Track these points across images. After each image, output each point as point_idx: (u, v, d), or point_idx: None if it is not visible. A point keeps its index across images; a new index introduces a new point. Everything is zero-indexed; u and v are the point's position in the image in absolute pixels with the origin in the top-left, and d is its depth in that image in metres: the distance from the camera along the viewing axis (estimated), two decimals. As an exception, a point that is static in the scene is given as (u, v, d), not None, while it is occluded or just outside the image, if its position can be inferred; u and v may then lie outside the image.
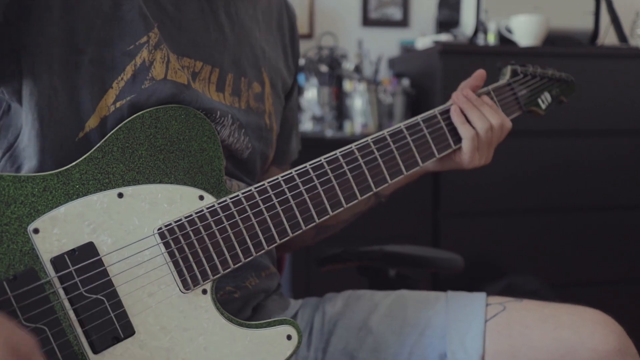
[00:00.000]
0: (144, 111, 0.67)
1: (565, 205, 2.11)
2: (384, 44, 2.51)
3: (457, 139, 0.86)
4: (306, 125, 2.18)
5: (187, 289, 0.66)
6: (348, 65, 2.24)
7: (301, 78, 2.23)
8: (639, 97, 2.13)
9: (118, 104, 0.68)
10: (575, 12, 2.20)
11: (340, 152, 0.75)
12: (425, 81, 2.15)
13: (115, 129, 0.66)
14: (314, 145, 2.03)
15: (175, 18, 0.75)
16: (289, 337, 0.69)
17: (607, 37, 2.24)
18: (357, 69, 2.24)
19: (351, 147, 0.76)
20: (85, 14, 0.67)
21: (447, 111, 0.85)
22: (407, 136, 0.81)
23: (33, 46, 0.65)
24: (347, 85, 2.21)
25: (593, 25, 2.21)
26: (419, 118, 0.83)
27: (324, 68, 2.20)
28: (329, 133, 2.14)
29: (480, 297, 0.87)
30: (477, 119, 0.85)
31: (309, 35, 2.49)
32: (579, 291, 2.13)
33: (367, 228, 1.93)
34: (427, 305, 0.88)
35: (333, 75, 2.21)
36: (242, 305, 0.81)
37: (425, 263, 1.25)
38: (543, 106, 0.98)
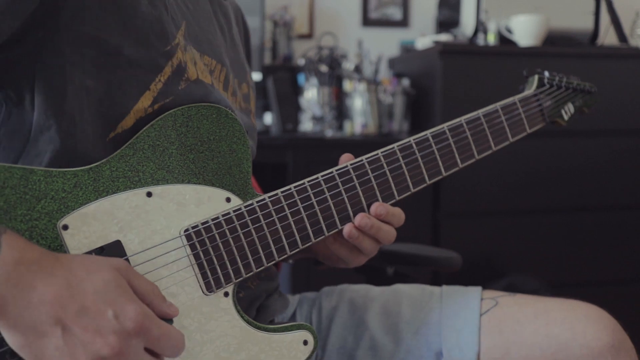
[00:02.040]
0: (176, 109, 0.66)
1: (565, 205, 2.11)
2: (384, 44, 2.51)
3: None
4: (306, 125, 2.18)
5: (209, 291, 0.66)
6: (348, 65, 2.24)
7: (301, 78, 2.23)
8: (639, 97, 2.13)
9: (156, 106, 0.67)
10: (575, 12, 2.20)
11: (366, 158, 0.75)
12: (425, 81, 2.15)
13: (146, 127, 0.65)
14: (314, 146, 2.03)
15: (196, 17, 0.75)
16: (305, 342, 0.70)
17: (607, 37, 2.24)
18: (357, 69, 2.24)
19: (377, 154, 0.76)
20: (121, 13, 0.65)
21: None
22: (433, 145, 0.80)
23: (63, 44, 0.63)
24: (347, 85, 2.21)
25: (593, 25, 2.21)
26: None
27: (324, 68, 2.20)
28: (329, 133, 2.14)
29: (475, 291, 0.87)
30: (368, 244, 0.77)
31: (309, 35, 2.49)
32: (579, 291, 2.11)
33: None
34: (422, 301, 0.88)
35: (333, 75, 2.21)
36: (247, 305, 0.80)
37: (423, 261, 1.25)
38: (566, 117, 0.96)
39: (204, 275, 0.65)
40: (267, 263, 0.69)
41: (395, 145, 0.77)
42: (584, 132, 2.10)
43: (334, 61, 2.23)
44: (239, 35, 0.93)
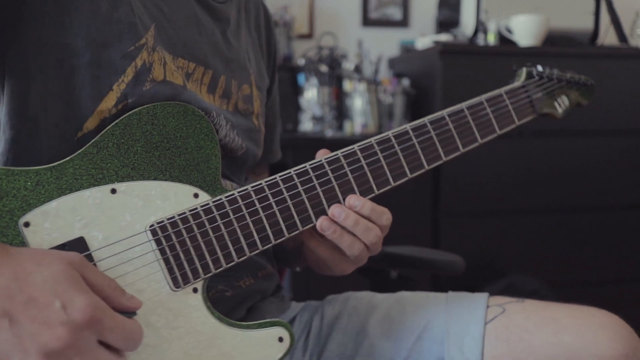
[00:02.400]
0: (141, 107, 0.66)
1: (565, 205, 2.11)
2: (384, 44, 2.51)
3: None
4: (306, 125, 2.18)
5: (177, 287, 0.65)
6: (348, 65, 2.24)
7: (301, 78, 2.23)
8: (639, 97, 2.13)
9: (120, 106, 0.67)
10: (575, 12, 2.20)
11: (342, 152, 0.74)
12: (425, 81, 2.15)
13: (111, 125, 0.65)
14: (314, 146, 2.01)
15: (172, 19, 0.75)
16: (280, 339, 0.68)
17: (607, 37, 2.24)
18: (357, 69, 2.24)
19: (353, 148, 0.74)
20: (81, 16, 0.66)
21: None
22: (413, 138, 0.78)
23: (24, 49, 0.64)
24: (347, 85, 2.21)
25: (593, 25, 2.21)
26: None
27: (324, 68, 2.20)
28: (329, 133, 2.14)
29: (481, 298, 0.84)
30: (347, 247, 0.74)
31: (309, 35, 2.49)
32: (579, 291, 2.12)
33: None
34: (426, 308, 0.86)
35: (333, 75, 2.21)
36: (235, 305, 0.80)
37: (426, 265, 1.25)
38: (560, 110, 0.95)
39: (171, 271, 0.65)
40: (238, 259, 0.68)
41: (372, 139, 0.75)
42: (584, 132, 2.10)
43: (334, 61, 2.23)
44: (257, 31, 0.92)
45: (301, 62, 2.26)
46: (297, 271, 1.90)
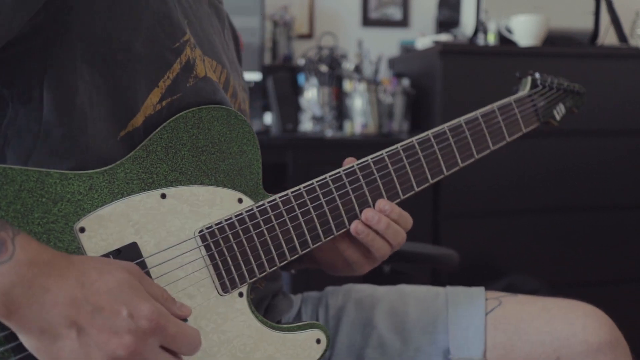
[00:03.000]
0: (187, 111, 0.67)
1: (565, 205, 2.12)
2: (384, 44, 2.51)
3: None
4: (306, 125, 2.18)
5: (225, 292, 0.66)
6: (348, 65, 2.24)
7: (301, 78, 2.23)
8: (639, 97, 2.13)
9: (164, 103, 0.67)
10: (575, 12, 2.20)
11: (372, 158, 0.77)
12: (425, 81, 2.15)
13: (159, 128, 0.65)
14: (314, 146, 2.03)
15: (198, 17, 0.75)
16: (318, 341, 0.71)
17: (607, 37, 2.25)
18: (357, 69, 2.24)
19: (382, 154, 0.77)
20: (132, 10, 0.65)
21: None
22: (435, 145, 0.81)
23: (73, 42, 0.62)
24: (347, 85, 2.21)
25: (593, 25, 2.21)
26: (445, 127, 0.83)
27: (324, 68, 2.20)
28: (329, 133, 2.14)
29: (479, 291, 0.88)
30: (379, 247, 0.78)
31: (309, 35, 2.49)
32: (579, 291, 2.11)
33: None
34: (428, 301, 0.89)
35: (333, 75, 2.21)
36: (256, 306, 0.80)
37: (419, 258, 1.26)
38: (558, 117, 0.99)
39: (219, 276, 0.66)
40: (280, 263, 0.70)
41: (398, 145, 0.78)
42: (583, 132, 2.10)
43: (334, 61, 2.23)
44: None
45: (301, 62, 2.26)
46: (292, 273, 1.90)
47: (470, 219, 2.06)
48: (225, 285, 0.66)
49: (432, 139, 0.80)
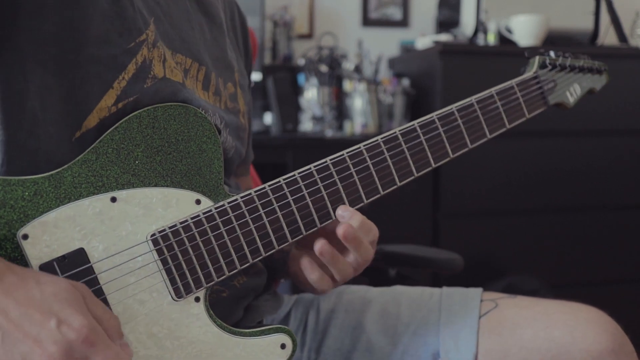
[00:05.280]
0: (141, 110, 0.64)
1: (565, 205, 2.11)
2: (384, 44, 2.51)
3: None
4: (306, 125, 2.18)
5: (179, 297, 0.63)
6: (348, 65, 2.24)
7: (301, 78, 2.23)
8: (639, 97, 2.13)
9: (120, 105, 0.65)
10: (575, 12, 2.20)
11: (347, 152, 0.71)
12: (425, 81, 2.15)
13: (110, 129, 0.63)
14: (314, 146, 2.03)
15: (168, 14, 0.73)
16: (282, 346, 0.67)
17: (607, 37, 2.24)
18: (357, 69, 2.24)
19: (360, 147, 0.72)
20: (82, 11, 0.64)
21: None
22: (421, 135, 0.76)
23: (23, 44, 0.62)
24: (347, 85, 2.21)
25: (593, 25, 2.21)
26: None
27: (324, 68, 2.20)
28: (329, 133, 2.14)
29: (475, 293, 0.86)
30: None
31: (309, 35, 2.49)
32: (579, 291, 2.12)
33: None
34: (421, 302, 0.87)
35: (333, 75, 2.21)
36: (233, 305, 0.78)
37: (425, 263, 1.25)
38: (571, 99, 0.89)
39: (173, 281, 0.63)
40: (241, 266, 0.66)
41: (379, 137, 0.73)
42: (584, 132, 2.10)
43: (334, 61, 2.23)
44: (233, 32, 0.91)
45: (301, 62, 2.26)
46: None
47: (470, 219, 2.06)
48: (179, 291, 0.63)
49: (418, 129, 0.74)
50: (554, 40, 2.14)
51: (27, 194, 0.58)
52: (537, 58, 0.86)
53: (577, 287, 2.12)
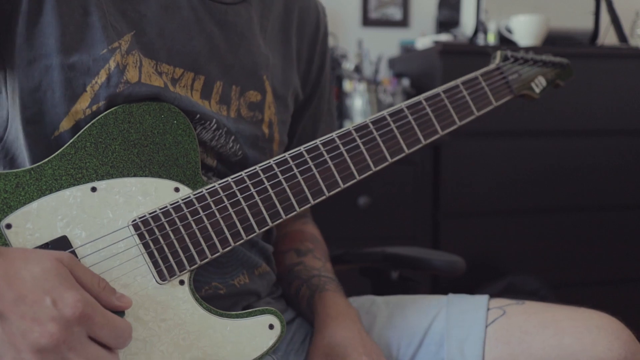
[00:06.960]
0: (117, 107, 0.68)
1: (565, 205, 2.11)
2: (384, 44, 2.51)
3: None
4: (306, 125, 2.18)
5: (163, 280, 0.66)
6: (348, 65, 2.24)
7: (301, 78, 2.22)
8: (639, 97, 2.13)
9: (94, 107, 0.68)
10: (575, 12, 2.20)
11: (320, 141, 0.75)
12: (425, 81, 2.15)
13: (88, 125, 0.66)
14: (314, 146, 2.02)
15: (157, 26, 0.75)
16: (270, 327, 0.69)
17: (607, 37, 2.24)
18: (357, 69, 2.24)
19: (332, 136, 0.76)
20: (54, 19, 0.67)
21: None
22: (391, 123, 0.80)
23: (13, 44, 0.66)
24: (347, 85, 2.21)
25: (593, 25, 2.21)
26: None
27: (324, 68, 2.20)
28: (329, 133, 2.14)
29: (481, 300, 0.85)
30: None
31: (309, 35, 2.49)
32: (579, 291, 2.13)
33: (367, 228, 1.93)
34: (427, 312, 0.87)
35: (333, 75, 2.21)
36: (230, 304, 0.79)
37: (426, 265, 1.25)
38: (537, 90, 0.96)
39: (156, 264, 0.66)
40: (223, 249, 0.69)
41: (350, 127, 0.77)
42: (584, 132, 2.10)
43: (334, 61, 2.23)
44: (285, 37, 0.91)
45: (301, 62, 2.26)
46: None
47: (470, 219, 2.05)
48: (163, 274, 0.66)
49: (387, 117, 0.79)
50: (554, 40, 2.14)
51: (8, 186, 0.61)
52: (498, 52, 0.94)
53: (578, 287, 2.12)
